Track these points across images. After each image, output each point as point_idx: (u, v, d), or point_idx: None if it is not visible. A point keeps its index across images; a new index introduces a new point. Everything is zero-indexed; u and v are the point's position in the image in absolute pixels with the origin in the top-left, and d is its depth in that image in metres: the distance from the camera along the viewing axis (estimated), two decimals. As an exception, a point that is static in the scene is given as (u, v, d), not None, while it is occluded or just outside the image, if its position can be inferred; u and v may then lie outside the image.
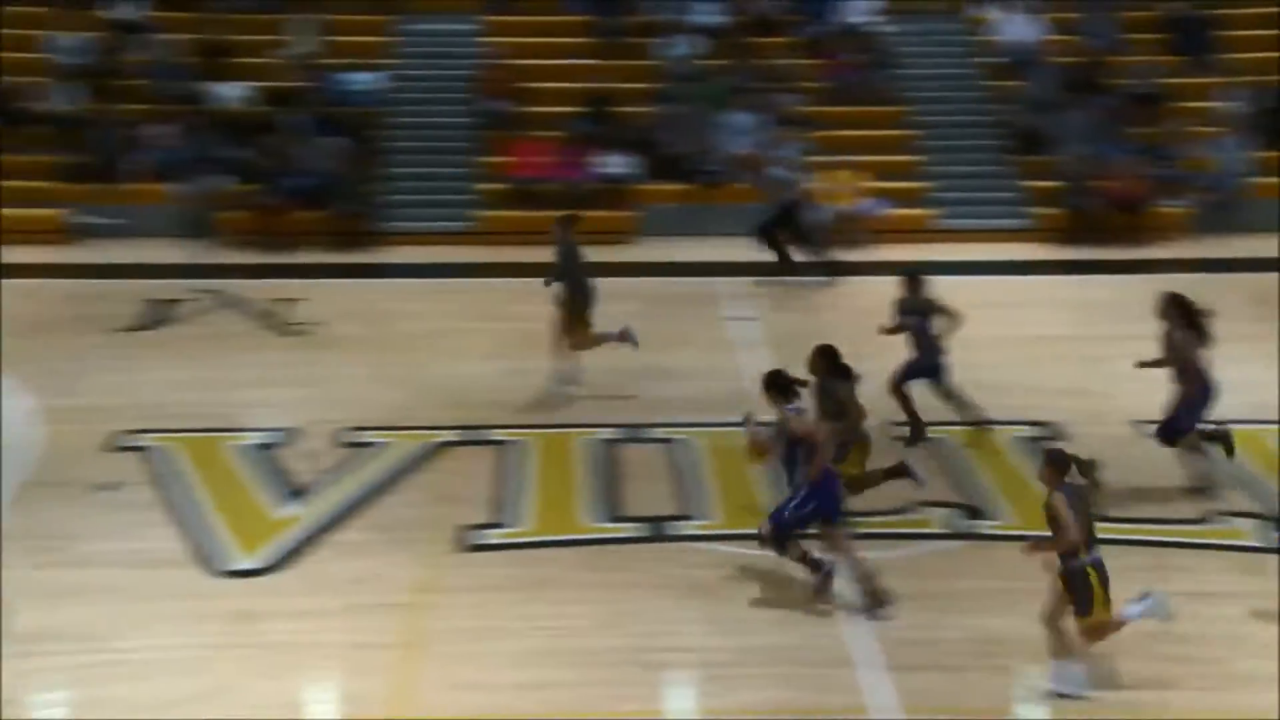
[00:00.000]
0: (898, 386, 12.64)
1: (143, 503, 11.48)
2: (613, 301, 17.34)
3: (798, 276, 18.10)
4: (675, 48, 22.28)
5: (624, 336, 14.01)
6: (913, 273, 12.99)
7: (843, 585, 9.87)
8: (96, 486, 11.69)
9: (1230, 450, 11.65)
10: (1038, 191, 20.84)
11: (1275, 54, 22.06)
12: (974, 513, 11.46)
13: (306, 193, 20.00)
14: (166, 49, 21.83)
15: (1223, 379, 11.63)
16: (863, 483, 10.88)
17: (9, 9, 22.39)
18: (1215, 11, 22.82)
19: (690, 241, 19.45)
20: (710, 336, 15.82)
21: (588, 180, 20.63)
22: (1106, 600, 8.68)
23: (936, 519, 11.30)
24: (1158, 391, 11.73)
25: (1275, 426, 12.84)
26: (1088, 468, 8.85)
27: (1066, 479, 8.71)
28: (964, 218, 20.62)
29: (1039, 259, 19.53)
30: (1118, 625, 8.81)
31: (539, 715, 8.60)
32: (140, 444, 12.56)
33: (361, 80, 21.75)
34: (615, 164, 20.66)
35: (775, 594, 10.01)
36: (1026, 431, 13.00)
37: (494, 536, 10.97)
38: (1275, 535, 10.91)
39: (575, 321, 13.80)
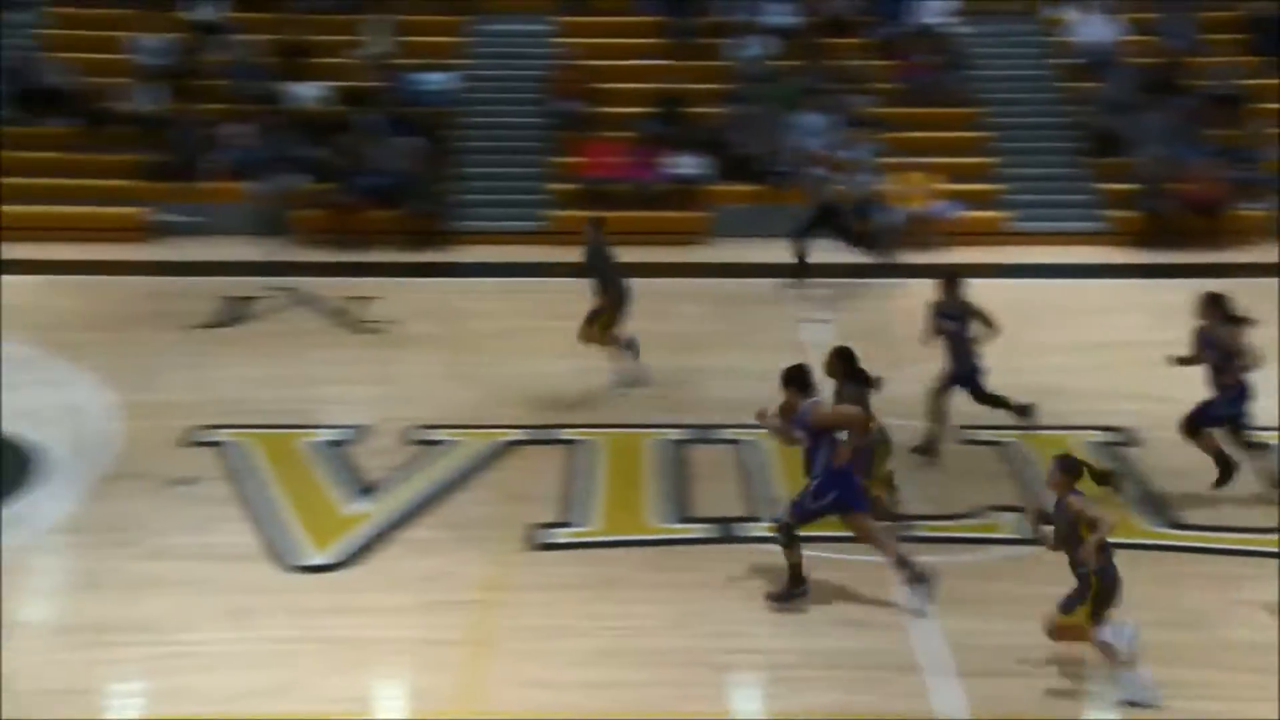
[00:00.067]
0: (939, 396, 12.39)
1: (217, 497, 11.64)
2: (684, 302, 17.46)
3: (816, 282, 17.90)
4: (747, 48, 22.26)
5: (629, 345, 14.06)
6: (950, 274, 12.67)
7: (902, 591, 9.84)
8: (173, 481, 11.86)
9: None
10: (1113, 194, 20.62)
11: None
12: (1044, 518, 11.32)
13: (381, 192, 20.18)
14: (245, 49, 22.11)
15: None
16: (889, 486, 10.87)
17: (94, 11, 22.80)
18: (1297, 11, 22.52)
19: (762, 243, 19.43)
20: (781, 338, 15.78)
21: (659, 181, 20.66)
22: (1094, 610, 8.62)
23: (1006, 524, 11.22)
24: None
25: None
26: (1105, 476, 8.78)
27: (1077, 486, 8.65)
28: (1037, 220, 20.44)
29: (1114, 263, 19.33)
30: (1087, 638, 8.70)
31: (605, 714, 8.63)
32: (215, 439, 12.73)
33: (435, 80, 21.92)
34: (686, 165, 20.68)
35: (842, 597, 9.98)
36: (1098, 437, 12.87)
37: (563, 535, 11.02)
38: None
39: (600, 319, 13.87)
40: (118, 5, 22.67)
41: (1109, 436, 12.86)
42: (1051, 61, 22.75)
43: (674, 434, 12.93)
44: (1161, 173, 20.18)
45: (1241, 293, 12.16)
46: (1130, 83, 21.48)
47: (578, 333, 13.97)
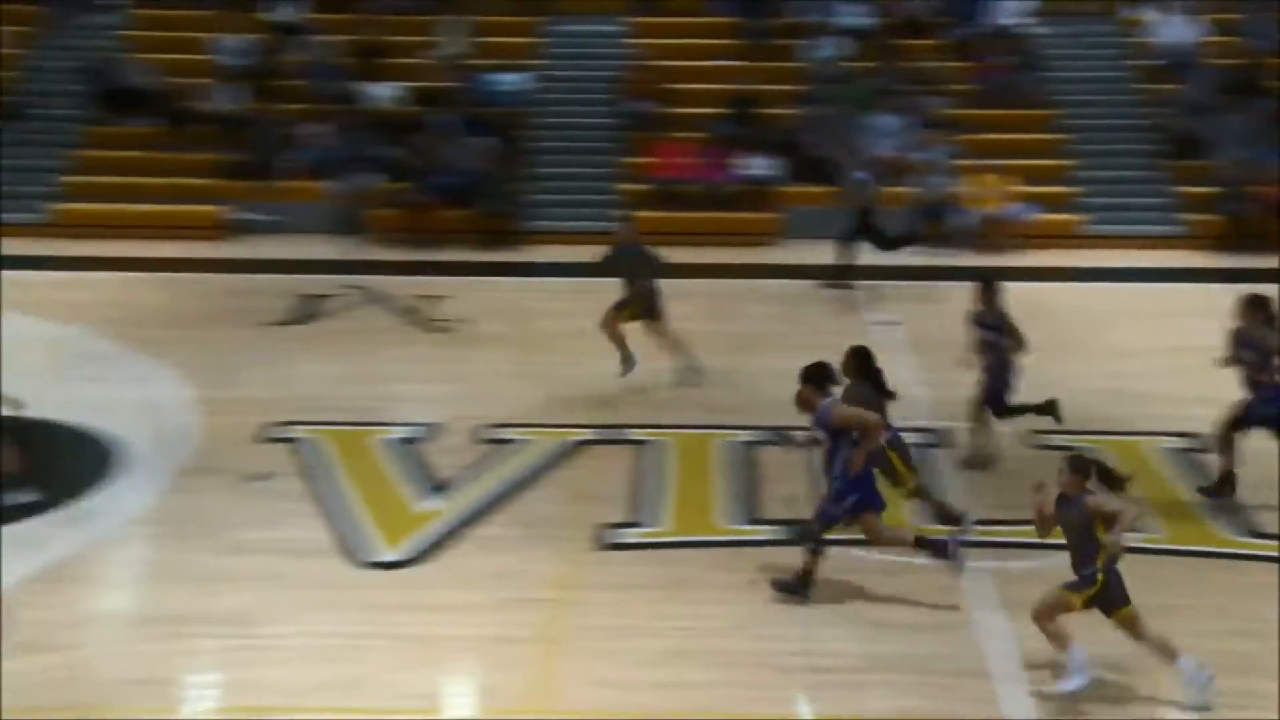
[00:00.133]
0: (981, 410, 12.21)
1: (292, 493, 11.78)
2: (755, 303, 17.47)
3: (854, 287, 17.82)
4: (821, 49, 22.21)
5: (679, 348, 14.21)
6: (987, 281, 12.40)
7: (971, 594, 9.79)
8: (249, 476, 12.03)
9: None
10: (1191, 197, 20.38)
11: None
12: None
13: (454, 191, 20.35)
14: (323, 50, 22.37)
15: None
16: (923, 496, 10.81)
17: (176, 12, 23.15)
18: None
19: (833, 244, 19.36)
20: (852, 340, 15.69)
21: (731, 182, 20.67)
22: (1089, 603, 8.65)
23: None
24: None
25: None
26: (1118, 480, 8.71)
27: (1088, 486, 8.58)
28: (1114, 223, 20.26)
29: (1191, 267, 19.09)
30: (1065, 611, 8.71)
31: (674, 715, 8.66)
32: (290, 435, 12.88)
33: (509, 81, 22.07)
34: (759, 166, 20.67)
35: (910, 601, 9.94)
36: (1173, 443, 12.73)
37: (632, 535, 11.06)
38: None
39: (623, 312, 13.97)
40: (199, 6, 23.03)
41: (1183, 443, 12.71)
42: (1130, 63, 22.53)
43: (743, 435, 12.94)
44: (1241, 175, 19.92)
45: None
46: (1210, 84, 21.21)
47: (602, 325, 14.07)
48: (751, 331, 15.98)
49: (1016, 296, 16.90)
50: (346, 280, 17.97)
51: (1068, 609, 8.68)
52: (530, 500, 11.73)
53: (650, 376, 14.27)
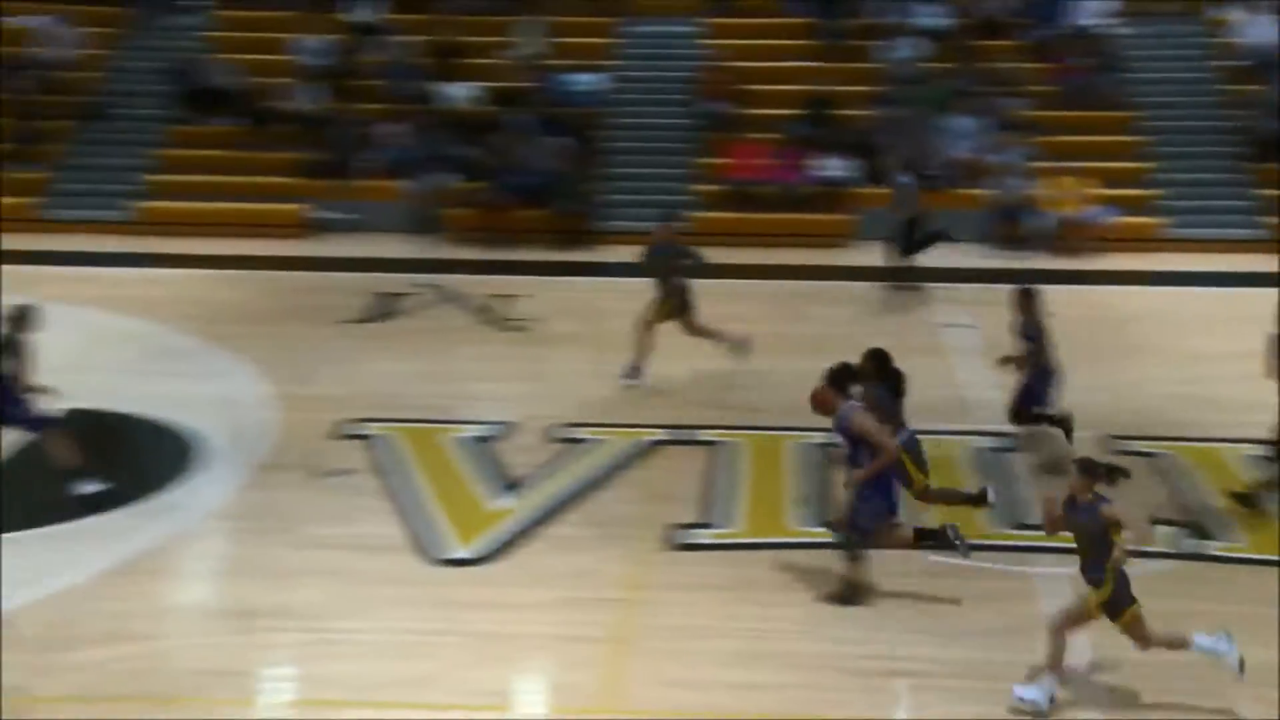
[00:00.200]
0: (1029, 413, 12.16)
1: (366, 489, 11.88)
2: (829, 305, 17.39)
3: (921, 289, 17.73)
4: (898, 50, 22.07)
5: (740, 343, 14.26)
6: (1026, 290, 12.33)
7: (1044, 599, 9.70)
8: (324, 472, 12.16)
9: None
10: (1276, 200, 20.04)
11: None
12: (1201, 532, 11.11)
13: (529, 191, 20.44)
14: (401, 50, 22.56)
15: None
16: (937, 497, 10.71)
17: (258, 14, 23.45)
18: None
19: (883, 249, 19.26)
20: (925, 343, 15.65)
21: (805, 183, 20.61)
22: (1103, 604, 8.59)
23: (1162, 537, 10.99)
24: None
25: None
26: (1117, 474, 8.60)
27: (1098, 488, 8.49)
28: (1195, 227, 19.97)
29: (1273, 271, 18.76)
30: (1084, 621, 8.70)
31: (745, 716, 8.66)
32: (364, 432, 13.00)
33: (585, 81, 22.13)
34: (834, 167, 20.58)
35: (980, 607, 9.88)
36: (1252, 449, 12.53)
37: (704, 536, 11.06)
38: None
39: (661, 311, 14.02)
40: (281, 8, 23.30)
41: (1263, 449, 12.50)
42: (1213, 64, 22.18)
43: (816, 437, 12.88)
44: (1325, 179, 19.59)
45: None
46: (1295, 86, 20.88)
47: (641, 321, 14.12)
48: (823, 334, 15.91)
49: (1094, 300, 16.80)
50: (422, 279, 18.10)
51: (1088, 617, 8.63)
52: (602, 500, 11.76)
53: (721, 377, 14.26)
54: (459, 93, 21.86)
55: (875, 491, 9.81)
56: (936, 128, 20.75)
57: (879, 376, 10.52)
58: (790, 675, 9.10)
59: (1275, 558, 10.67)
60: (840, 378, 9.94)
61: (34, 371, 11.40)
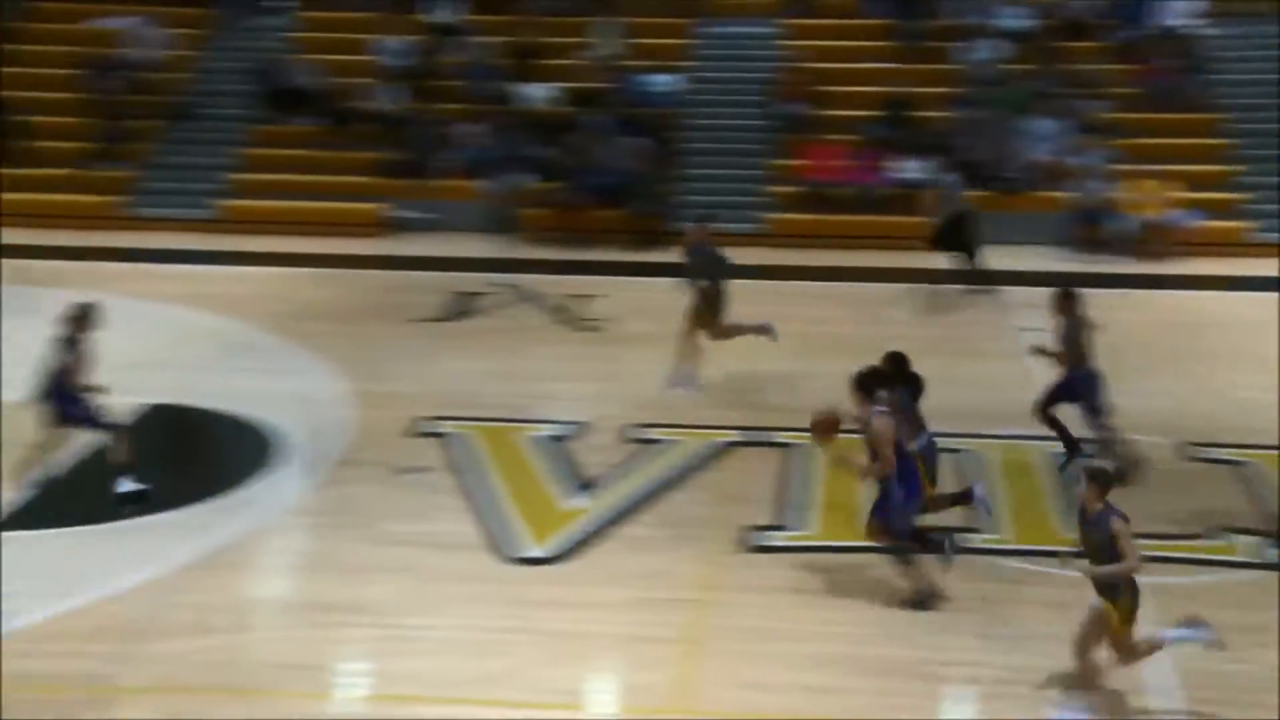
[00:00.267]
0: (1051, 413, 11.99)
1: (441, 487, 11.97)
2: (905, 308, 17.28)
3: (995, 292, 17.53)
4: (978, 52, 21.90)
5: (764, 329, 14.20)
6: (1069, 290, 12.12)
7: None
8: (400, 469, 12.26)
9: None
10: (1364, 205, 19.67)
11: None
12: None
13: (606, 191, 20.48)
14: (480, 51, 22.69)
15: None
16: (934, 504, 10.60)
17: (339, 15, 23.71)
18: None
19: (986, 249, 19.09)
20: (1002, 346, 15.53)
21: (883, 185, 20.50)
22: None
23: (1243, 546, 10.84)
24: None
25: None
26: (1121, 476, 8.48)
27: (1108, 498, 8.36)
28: (1280, 231, 19.65)
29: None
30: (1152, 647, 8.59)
31: (815, 718, 8.64)
32: (440, 430, 13.10)
33: (662, 82, 22.14)
34: (912, 169, 20.45)
35: (1058, 615, 9.76)
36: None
37: (777, 539, 11.05)
38: None
39: (699, 315, 14.02)
40: (362, 9, 23.53)
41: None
42: (1301, 65, 21.82)
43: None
44: None
45: None
46: (1386, 88, 20.48)
47: (705, 335, 14.08)
48: (897, 335, 15.79)
49: (1174, 305, 16.58)
50: (499, 278, 18.22)
51: (1110, 631, 8.49)
52: (676, 501, 11.78)
53: (799, 381, 14.23)
54: (537, 93, 21.96)
55: (907, 495, 9.77)
56: (1016, 130, 20.55)
57: (898, 379, 10.47)
58: (862, 680, 9.07)
59: None
60: (868, 382, 9.90)
61: (93, 370, 11.47)
